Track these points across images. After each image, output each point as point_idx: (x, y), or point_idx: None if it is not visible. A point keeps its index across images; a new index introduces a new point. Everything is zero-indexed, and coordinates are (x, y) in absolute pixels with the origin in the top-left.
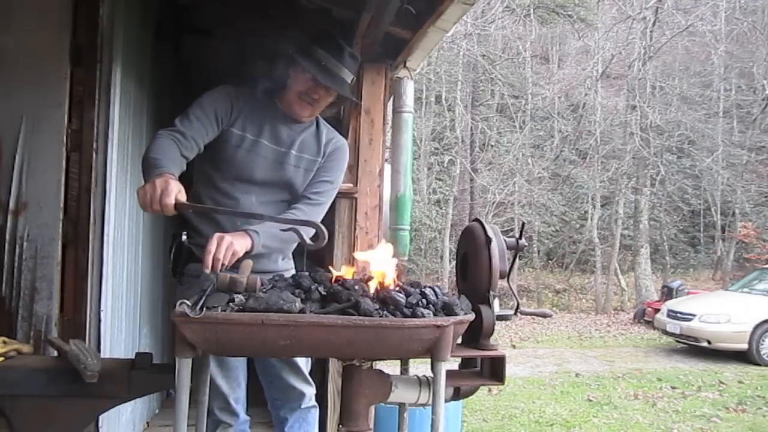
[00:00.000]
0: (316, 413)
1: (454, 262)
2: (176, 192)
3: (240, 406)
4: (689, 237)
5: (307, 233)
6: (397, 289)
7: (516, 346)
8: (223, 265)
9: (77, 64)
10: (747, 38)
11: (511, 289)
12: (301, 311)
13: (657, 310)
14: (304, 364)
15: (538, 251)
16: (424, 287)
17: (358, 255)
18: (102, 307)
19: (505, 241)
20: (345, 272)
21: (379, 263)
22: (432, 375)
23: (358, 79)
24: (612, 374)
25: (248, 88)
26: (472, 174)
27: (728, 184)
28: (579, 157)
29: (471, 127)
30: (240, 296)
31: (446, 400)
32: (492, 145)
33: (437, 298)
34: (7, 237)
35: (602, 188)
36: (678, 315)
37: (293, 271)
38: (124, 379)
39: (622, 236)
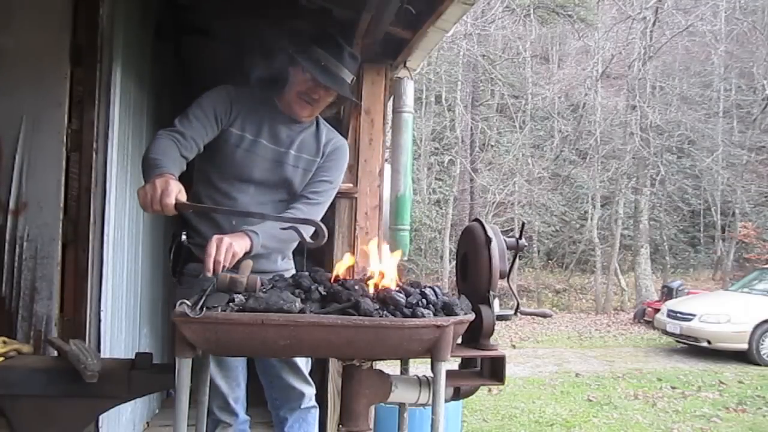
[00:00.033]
0: (316, 413)
1: (454, 262)
2: (176, 192)
3: (239, 406)
4: (689, 237)
5: (307, 232)
6: (397, 289)
7: (516, 346)
8: (223, 266)
9: (77, 64)
10: (747, 38)
11: (511, 289)
12: (301, 311)
13: (657, 310)
14: (304, 364)
15: (538, 251)
16: (424, 287)
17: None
18: (102, 307)
19: (505, 241)
20: (348, 260)
21: (382, 264)
22: (432, 375)
23: (358, 79)
24: (612, 374)
25: (248, 88)
26: (472, 174)
27: (728, 184)
28: (579, 157)
29: (471, 127)
30: (240, 296)
31: (446, 400)
32: (492, 145)
33: (437, 298)
34: (7, 237)
35: (602, 188)
36: (678, 315)
37: (293, 271)
38: (124, 379)
39: (622, 236)
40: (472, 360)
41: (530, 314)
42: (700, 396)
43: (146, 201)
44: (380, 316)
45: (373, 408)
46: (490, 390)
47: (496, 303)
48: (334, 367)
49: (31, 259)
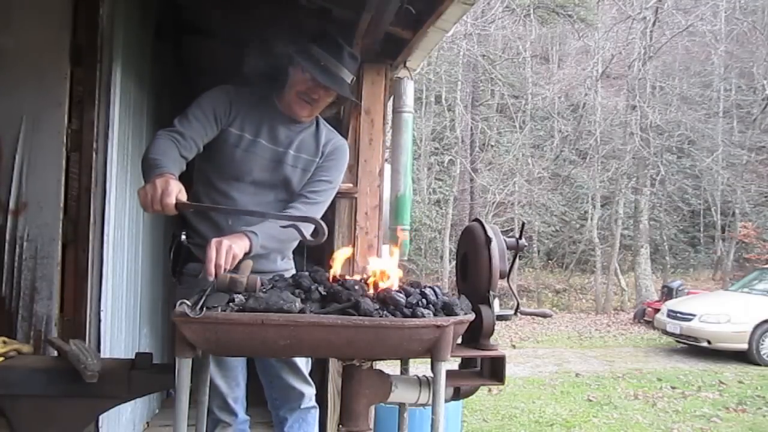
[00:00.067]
0: (315, 413)
1: (454, 262)
2: (177, 191)
3: (239, 406)
4: (689, 237)
5: (307, 230)
6: (397, 289)
7: (516, 346)
8: (224, 269)
9: (77, 64)
10: (747, 38)
11: (511, 289)
12: (301, 311)
13: (657, 310)
14: (303, 364)
15: (538, 251)
16: (424, 287)
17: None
18: (102, 307)
19: (505, 241)
20: (345, 252)
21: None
22: (432, 375)
23: (358, 79)
24: (612, 374)
25: (247, 88)
26: (472, 174)
27: (728, 184)
28: (579, 157)
29: (471, 127)
30: (240, 296)
31: (446, 400)
32: (492, 145)
33: (437, 298)
34: (7, 237)
35: (602, 188)
36: (678, 315)
37: (293, 271)
38: (124, 379)
39: (622, 236)
40: (472, 360)
41: (530, 314)
42: (700, 396)
43: (147, 201)
44: (380, 316)
45: (373, 408)
46: (490, 390)
47: (496, 303)
48: (334, 367)
49: (31, 259)
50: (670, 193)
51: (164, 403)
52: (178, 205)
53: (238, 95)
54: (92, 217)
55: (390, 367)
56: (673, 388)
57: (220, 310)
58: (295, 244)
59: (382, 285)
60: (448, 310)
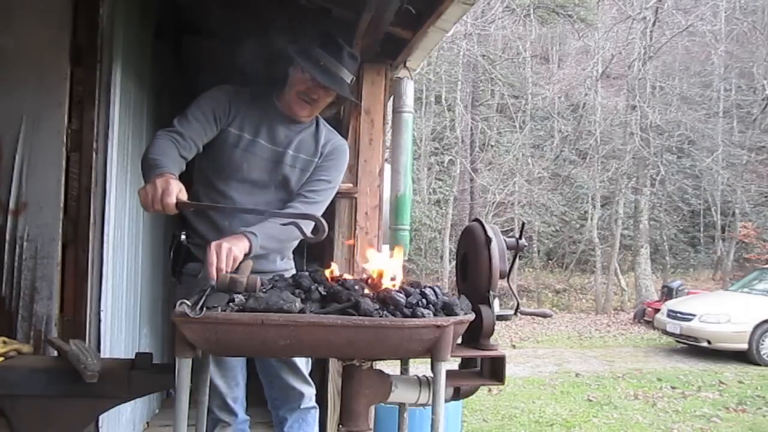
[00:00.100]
0: (315, 413)
1: (454, 262)
2: (177, 191)
3: (239, 406)
4: (689, 237)
5: (307, 227)
6: (397, 289)
7: (516, 346)
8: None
9: (77, 64)
10: (747, 38)
11: (511, 289)
12: (301, 311)
13: (657, 310)
14: (303, 364)
15: (538, 251)
16: (424, 287)
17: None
18: (102, 307)
19: (505, 241)
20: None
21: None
22: (432, 375)
23: (358, 79)
24: (612, 374)
25: (247, 88)
26: (472, 174)
27: (728, 184)
28: (579, 157)
29: (471, 127)
30: (240, 296)
31: (446, 400)
32: (492, 145)
33: (437, 298)
34: (7, 237)
35: (602, 188)
36: (678, 315)
37: (293, 271)
38: (124, 379)
39: (622, 236)
40: (472, 360)
41: (530, 314)
42: (700, 396)
43: (147, 201)
44: (380, 316)
45: (373, 408)
46: (490, 390)
47: (496, 303)
48: (334, 367)
49: (31, 259)
50: (670, 193)
51: (164, 403)
52: (179, 204)
53: (238, 95)
54: (92, 217)
55: (390, 367)
56: (673, 388)
57: (220, 310)
58: (295, 243)
59: (384, 282)
60: (448, 310)
